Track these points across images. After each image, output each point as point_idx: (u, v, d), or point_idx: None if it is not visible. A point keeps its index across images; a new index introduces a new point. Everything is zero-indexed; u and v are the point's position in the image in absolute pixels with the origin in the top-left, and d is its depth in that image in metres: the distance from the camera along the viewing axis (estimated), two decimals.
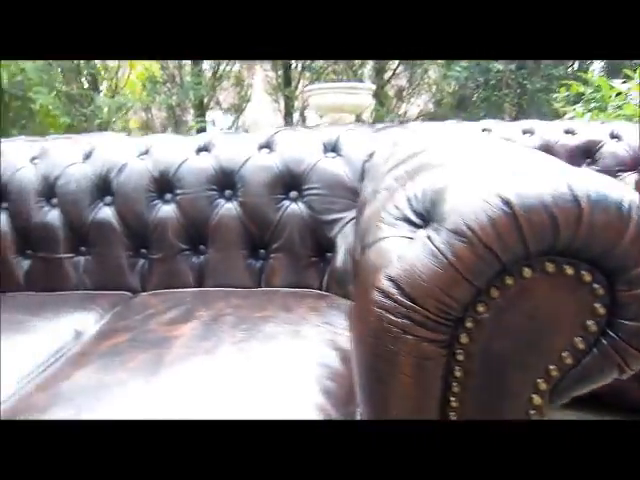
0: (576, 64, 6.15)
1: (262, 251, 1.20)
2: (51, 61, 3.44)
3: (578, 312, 0.49)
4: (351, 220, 1.11)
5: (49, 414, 0.63)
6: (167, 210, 1.21)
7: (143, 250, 1.23)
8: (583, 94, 3.22)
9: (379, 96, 4.60)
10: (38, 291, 1.24)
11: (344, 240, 1.11)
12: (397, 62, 4.70)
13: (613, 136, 1.72)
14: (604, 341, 0.50)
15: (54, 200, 1.26)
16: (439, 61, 4.61)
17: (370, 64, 4.64)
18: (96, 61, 3.50)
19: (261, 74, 4.74)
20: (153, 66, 3.77)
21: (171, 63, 3.69)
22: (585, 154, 1.72)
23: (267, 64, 4.53)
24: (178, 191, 1.20)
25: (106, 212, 1.23)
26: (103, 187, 1.23)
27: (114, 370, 0.72)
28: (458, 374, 0.50)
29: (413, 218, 0.54)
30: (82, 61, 3.43)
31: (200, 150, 1.24)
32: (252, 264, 1.19)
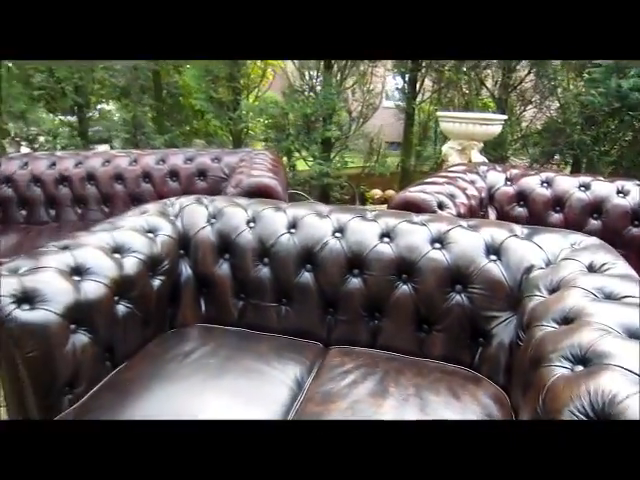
0: None
1: (426, 326, 1.50)
2: (205, 70, 3.89)
3: None
4: (506, 320, 1.38)
5: None
6: (355, 283, 1.55)
7: (331, 309, 1.59)
8: None
9: (504, 104, 4.61)
10: (246, 328, 1.65)
11: (499, 335, 1.38)
12: (525, 72, 4.65)
13: None
14: None
15: (266, 260, 1.64)
16: (572, 75, 4.50)
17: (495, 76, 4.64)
18: (241, 71, 3.90)
19: (391, 82, 4.92)
20: (294, 75, 4.12)
21: (307, 75, 4.01)
22: None
23: (393, 73, 4.69)
24: (365, 270, 1.53)
25: (307, 277, 1.59)
26: (307, 258, 1.59)
27: None
28: None
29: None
30: (232, 70, 3.85)
31: (383, 236, 1.55)
32: (417, 335, 1.51)
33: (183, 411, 1.20)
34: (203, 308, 1.70)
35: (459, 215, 1.97)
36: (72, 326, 1.24)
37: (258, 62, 4.07)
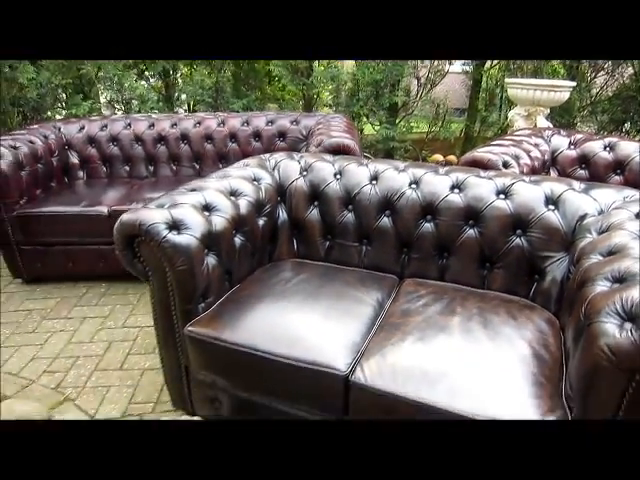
0: None
1: (488, 264, 1.76)
2: None
3: None
4: (560, 259, 1.61)
5: (400, 361, 1.30)
6: (427, 227, 1.81)
7: (405, 249, 1.87)
8: None
9: (574, 70, 4.58)
10: (332, 263, 1.96)
11: (552, 272, 1.62)
12: None
13: None
14: None
15: (350, 207, 1.94)
16: None
17: None
18: None
19: None
20: None
21: None
22: None
23: None
24: (437, 216, 1.79)
25: (385, 221, 1.88)
26: (386, 205, 1.87)
27: (431, 338, 1.37)
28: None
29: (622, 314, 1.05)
30: None
31: (454, 187, 1.80)
32: (480, 272, 1.77)
33: (290, 321, 1.52)
34: (295, 246, 2.03)
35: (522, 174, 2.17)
36: (206, 250, 1.59)
37: None
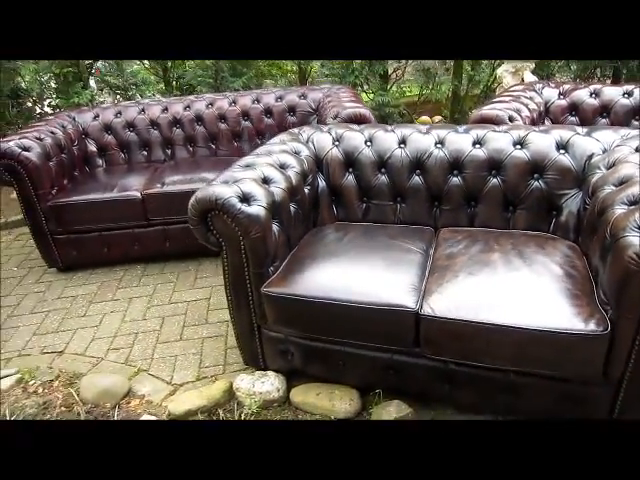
0: None
1: (511, 208, 2.02)
2: None
3: None
4: (574, 195, 1.88)
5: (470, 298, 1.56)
6: (455, 181, 2.06)
7: (437, 203, 2.12)
8: None
9: None
10: (370, 222, 2.19)
11: (568, 207, 1.89)
12: None
13: None
14: None
15: (383, 170, 2.17)
16: None
17: None
18: None
19: None
20: None
21: None
22: None
23: None
24: (463, 170, 2.04)
25: (417, 180, 2.11)
26: (416, 165, 2.11)
27: (479, 272, 1.63)
28: None
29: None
30: None
31: (475, 143, 2.04)
32: (505, 215, 2.03)
33: (352, 272, 1.76)
34: (335, 211, 2.25)
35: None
36: (272, 219, 1.81)
37: None
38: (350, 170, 2.22)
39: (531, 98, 2.83)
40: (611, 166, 1.74)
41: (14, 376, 2.19)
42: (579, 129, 1.98)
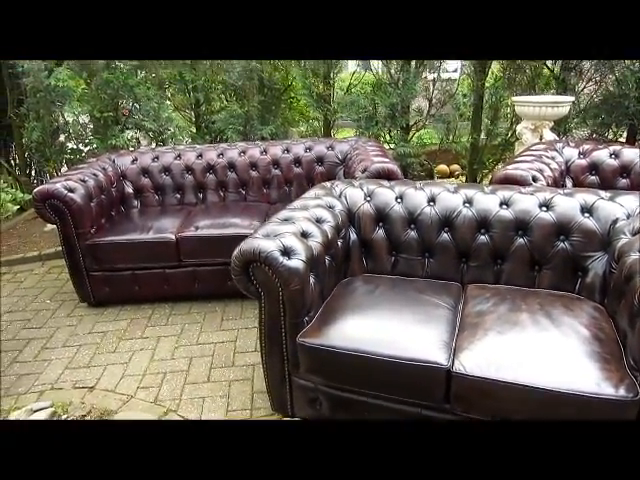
0: None
1: (537, 267, 2.10)
2: (308, 69, 4.49)
3: None
4: (599, 257, 1.96)
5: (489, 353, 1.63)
6: (483, 239, 2.15)
7: (464, 259, 2.21)
8: None
9: (565, 82, 4.94)
10: (398, 275, 2.28)
11: (594, 269, 1.97)
12: None
13: None
14: None
15: (412, 226, 2.27)
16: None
17: None
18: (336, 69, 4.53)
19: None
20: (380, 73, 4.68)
21: (393, 69, 4.53)
22: None
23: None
24: (491, 229, 2.14)
25: (445, 237, 2.21)
26: (445, 223, 2.21)
27: (509, 331, 1.70)
28: None
29: None
30: (329, 70, 4.47)
31: (502, 204, 2.14)
32: (531, 274, 2.11)
33: (384, 326, 1.84)
34: (365, 262, 2.35)
35: (547, 185, 2.53)
36: (309, 272, 1.90)
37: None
38: (380, 225, 2.32)
39: (553, 158, 2.95)
40: (636, 232, 1.83)
41: (49, 409, 2.25)
42: (602, 193, 2.08)
